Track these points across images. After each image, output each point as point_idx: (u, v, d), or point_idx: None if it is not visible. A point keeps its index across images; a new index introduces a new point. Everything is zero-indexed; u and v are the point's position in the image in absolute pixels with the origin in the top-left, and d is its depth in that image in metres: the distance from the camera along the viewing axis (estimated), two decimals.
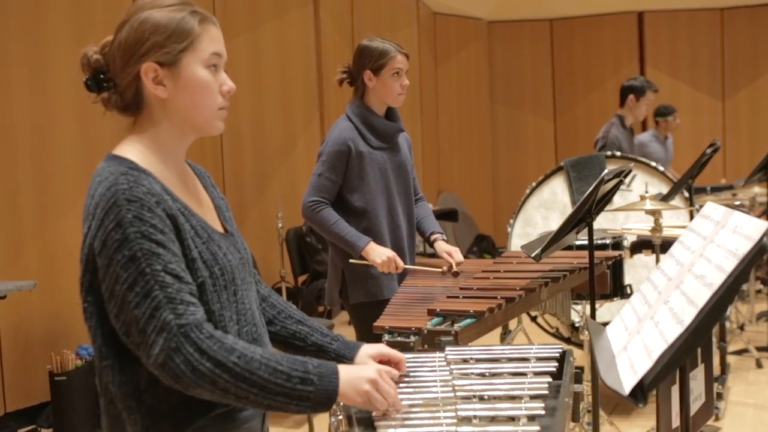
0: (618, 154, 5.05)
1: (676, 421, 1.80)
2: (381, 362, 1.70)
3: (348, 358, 1.74)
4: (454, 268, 3.07)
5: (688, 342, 1.41)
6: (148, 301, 1.43)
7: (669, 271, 1.74)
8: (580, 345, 4.69)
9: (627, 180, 4.87)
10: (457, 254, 3.13)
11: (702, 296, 1.44)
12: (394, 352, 1.74)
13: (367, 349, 1.75)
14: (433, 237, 3.25)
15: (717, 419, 4.13)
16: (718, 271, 1.46)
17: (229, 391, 1.44)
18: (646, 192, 3.79)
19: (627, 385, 1.45)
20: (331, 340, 1.77)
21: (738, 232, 1.50)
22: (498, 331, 4.56)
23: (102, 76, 1.58)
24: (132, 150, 1.57)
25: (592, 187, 2.65)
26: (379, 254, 3.01)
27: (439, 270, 3.07)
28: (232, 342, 1.46)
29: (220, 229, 1.65)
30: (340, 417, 1.61)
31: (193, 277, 1.51)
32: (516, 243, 4.94)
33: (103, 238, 1.46)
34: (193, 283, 1.50)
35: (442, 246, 3.18)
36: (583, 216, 2.80)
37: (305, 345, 1.78)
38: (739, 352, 5.20)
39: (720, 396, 4.32)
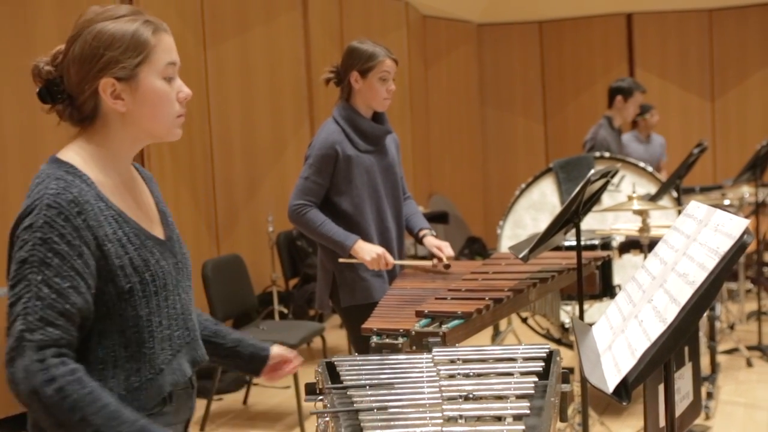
0: (607, 155, 5.06)
1: (663, 420, 1.81)
2: (278, 363, 1.91)
3: (263, 354, 1.89)
4: (445, 261, 3.09)
5: (670, 339, 1.42)
6: (18, 305, 1.48)
7: (653, 269, 1.75)
8: (570, 346, 4.71)
9: (616, 181, 4.88)
10: (447, 248, 3.14)
11: (684, 294, 1.45)
12: (287, 352, 1.94)
13: (275, 349, 1.93)
14: (422, 233, 3.26)
15: (707, 418, 4.15)
16: (700, 269, 1.46)
17: (46, 419, 1.45)
18: (634, 192, 3.80)
19: (611, 384, 1.46)
20: (249, 340, 1.90)
21: (720, 230, 1.50)
22: (489, 332, 4.57)
23: (55, 88, 1.58)
24: (76, 153, 1.58)
25: (578, 188, 2.66)
26: (368, 252, 3.02)
27: (430, 263, 3.08)
28: (64, 372, 1.43)
29: (160, 235, 1.67)
30: (327, 418, 1.62)
31: (121, 283, 1.52)
32: (506, 244, 4.95)
33: (17, 233, 1.52)
34: (80, 303, 1.48)
35: (431, 241, 3.19)
36: (570, 217, 2.81)
37: (225, 342, 1.87)
38: (729, 352, 5.22)
39: (710, 395, 4.34)
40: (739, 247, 1.39)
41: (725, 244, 1.43)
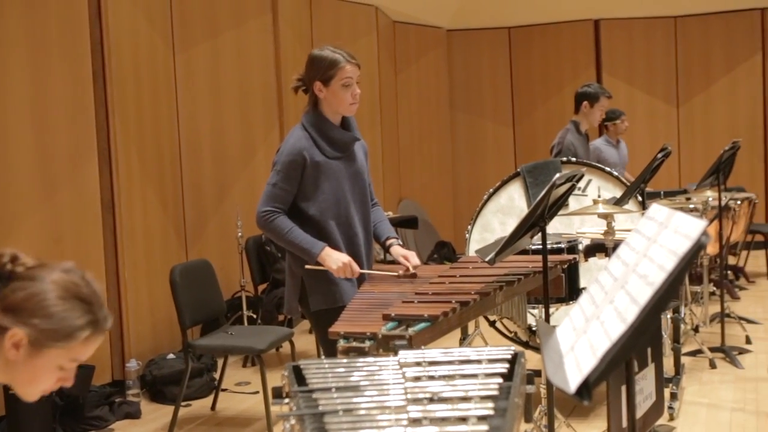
0: (573, 159, 5.12)
1: (626, 420, 1.84)
2: None
3: None
4: (411, 270, 3.09)
5: (630, 339, 1.44)
6: None
7: (615, 271, 1.77)
8: (537, 349, 4.74)
9: (582, 185, 4.93)
10: (413, 258, 3.15)
11: (644, 295, 1.48)
12: None
13: None
14: (388, 242, 3.27)
15: (671, 419, 4.20)
16: (660, 270, 1.49)
17: None
18: (599, 196, 3.85)
19: (573, 384, 1.48)
20: None
21: (679, 231, 1.53)
22: (456, 336, 4.59)
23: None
24: None
25: (543, 192, 2.69)
26: (335, 260, 3.02)
27: (395, 274, 3.09)
28: None
29: None
30: (293, 422, 1.62)
31: None
32: (474, 248, 4.97)
33: None
34: None
35: (398, 250, 3.20)
36: (536, 220, 2.84)
37: None
38: (693, 353, 5.29)
39: (674, 396, 4.39)
40: (697, 248, 1.41)
41: (684, 246, 1.46)
